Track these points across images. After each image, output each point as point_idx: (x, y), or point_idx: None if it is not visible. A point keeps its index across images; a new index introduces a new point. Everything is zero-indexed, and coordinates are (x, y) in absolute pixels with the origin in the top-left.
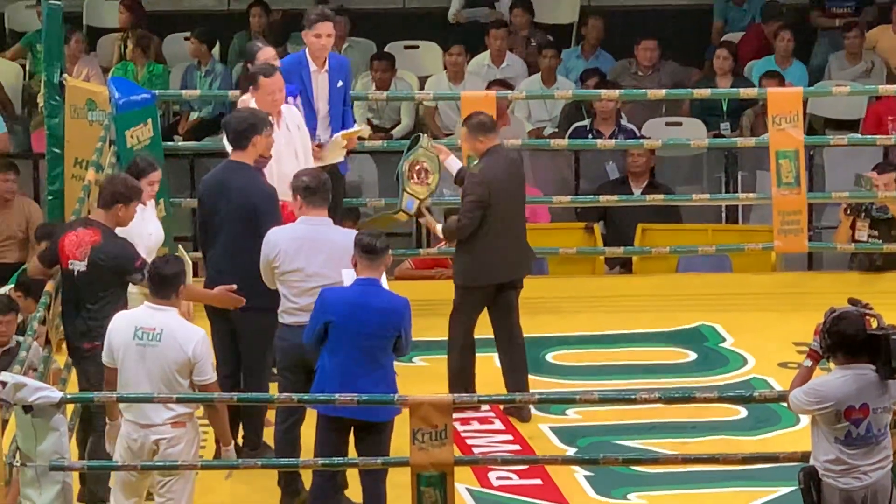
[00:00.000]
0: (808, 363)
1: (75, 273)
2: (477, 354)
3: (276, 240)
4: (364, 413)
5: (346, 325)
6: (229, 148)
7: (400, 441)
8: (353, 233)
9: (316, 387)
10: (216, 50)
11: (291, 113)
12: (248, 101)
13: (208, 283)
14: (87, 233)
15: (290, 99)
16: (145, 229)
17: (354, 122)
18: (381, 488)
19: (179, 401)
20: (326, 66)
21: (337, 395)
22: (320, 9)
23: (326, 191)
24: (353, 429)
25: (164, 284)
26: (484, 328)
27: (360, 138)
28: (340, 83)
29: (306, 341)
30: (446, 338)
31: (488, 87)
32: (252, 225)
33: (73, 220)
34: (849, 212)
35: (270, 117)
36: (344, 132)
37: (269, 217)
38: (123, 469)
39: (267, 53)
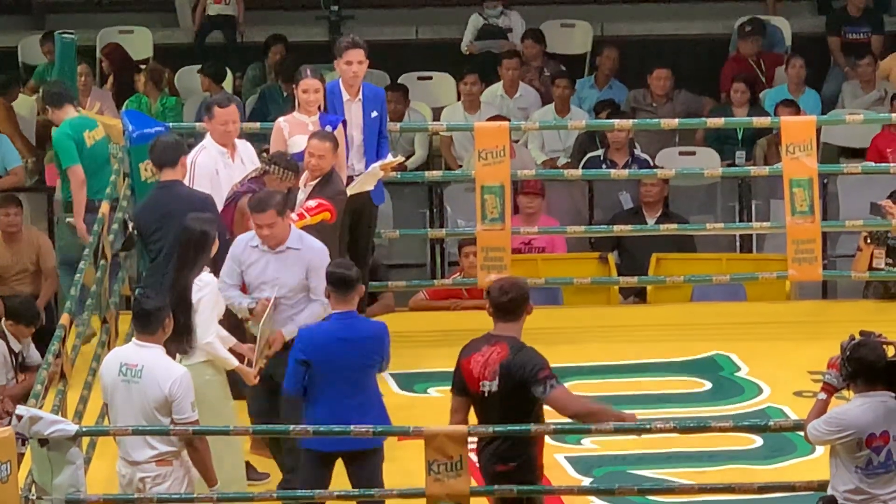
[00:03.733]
0: (823, 396)
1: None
2: None
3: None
4: (353, 443)
5: (329, 361)
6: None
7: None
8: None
9: (306, 423)
10: (228, 82)
11: (245, 147)
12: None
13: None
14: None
15: (329, 128)
16: None
17: (389, 152)
18: None
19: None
20: (360, 96)
21: (352, 427)
22: (351, 37)
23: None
24: (343, 460)
25: (147, 320)
26: None
27: (395, 168)
28: (375, 113)
29: (289, 386)
30: None
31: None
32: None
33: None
34: (869, 241)
35: (225, 150)
36: (382, 162)
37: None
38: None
39: (305, 84)
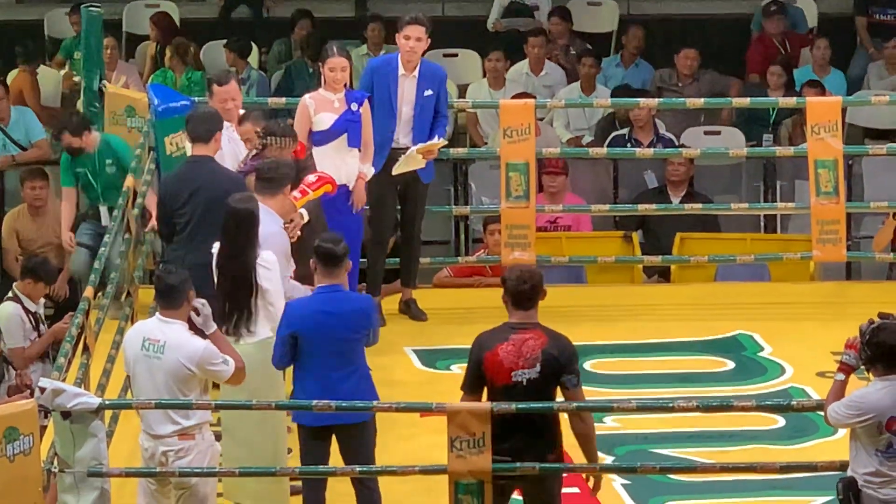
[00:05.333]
0: (841, 377)
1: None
2: None
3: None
4: (345, 416)
5: (316, 334)
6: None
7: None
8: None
9: (294, 398)
10: (254, 57)
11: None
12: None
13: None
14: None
15: (355, 105)
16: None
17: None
18: (375, 494)
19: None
20: (416, 72)
21: (374, 403)
22: (414, 14)
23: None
24: (335, 434)
25: (170, 295)
26: None
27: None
28: (430, 91)
29: (277, 361)
30: None
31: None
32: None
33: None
34: (894, 216)
35: (230, 124)
36: (420, 146)
37: None
38: (147, 475)
39: (333, 62)
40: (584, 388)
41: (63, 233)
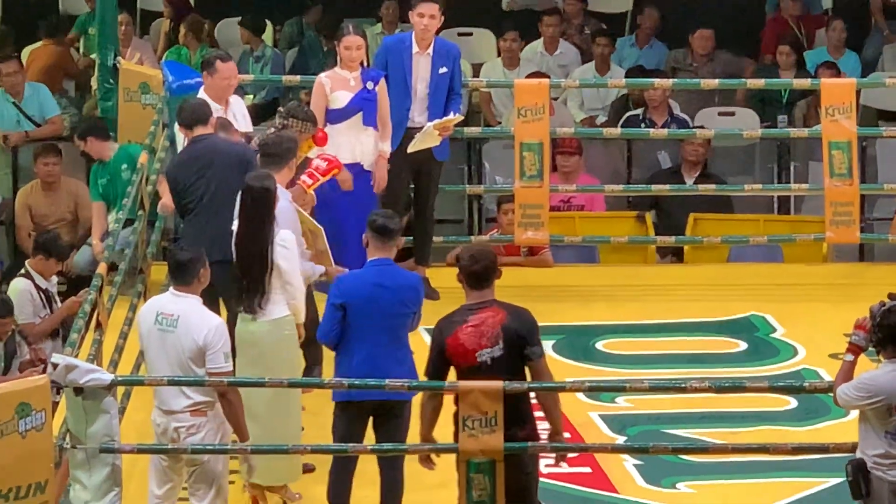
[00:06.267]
0: (850, 358)
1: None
2: None
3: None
4: (387, 394)
5: (367, 306)
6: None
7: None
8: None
9: (340, 374)
10: (269, 35)
11: (238, 103)
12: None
13: (189, 241)
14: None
15: (371, 84)
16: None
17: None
18: (399, 476)
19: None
20: (430, 50)
21: (386, 382)
22: None
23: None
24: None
25: (183, 271)
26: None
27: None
28: (444, 69)
29: (324, 334)
30: None
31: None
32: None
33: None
34: None
35: (220, 107)
36: (436, 122)
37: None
38: (159, 452)
39: (349, 41)
40: (596, 367)
41: (94, 245)
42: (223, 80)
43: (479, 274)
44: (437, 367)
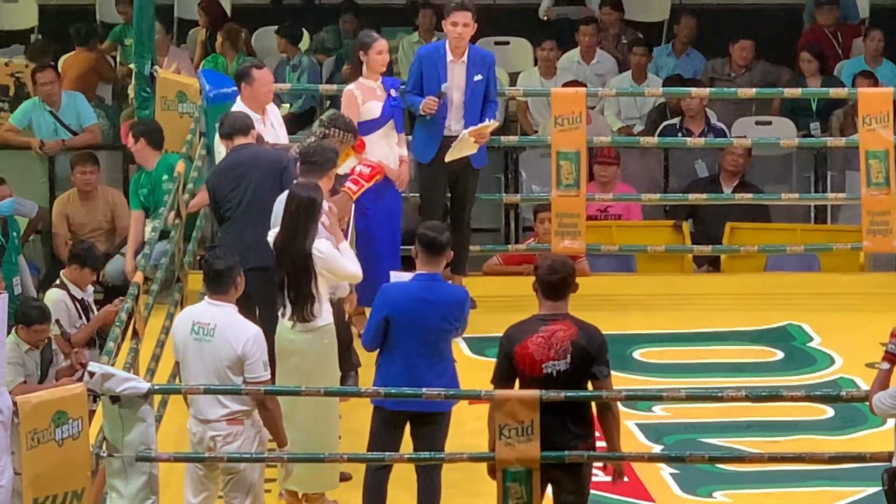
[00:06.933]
0: (886, 366)
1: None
2: None
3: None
4: (425, 405)
5: (409, 320)
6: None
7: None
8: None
9: (379, 383)
10: (305, 44)
11: (274, 112)
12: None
13: (226, 248)
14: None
15: (393, 91)
16: None
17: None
18: (436, 482)
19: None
20: (465, 58)
21: (423, 390)
22: None
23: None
24: (410, 421)
25: (219, 280)
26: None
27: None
28: (479, 77)
29: (367, 342)
30: None
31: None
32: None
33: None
34: None
35: (259, 116)
36: (472, 128)
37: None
38: (195, 460)
39: (380, 45)
40: (633, 376)
41: (128, 261)
42: (263, 86)
43: (555, 285)
44: (503, 375)
